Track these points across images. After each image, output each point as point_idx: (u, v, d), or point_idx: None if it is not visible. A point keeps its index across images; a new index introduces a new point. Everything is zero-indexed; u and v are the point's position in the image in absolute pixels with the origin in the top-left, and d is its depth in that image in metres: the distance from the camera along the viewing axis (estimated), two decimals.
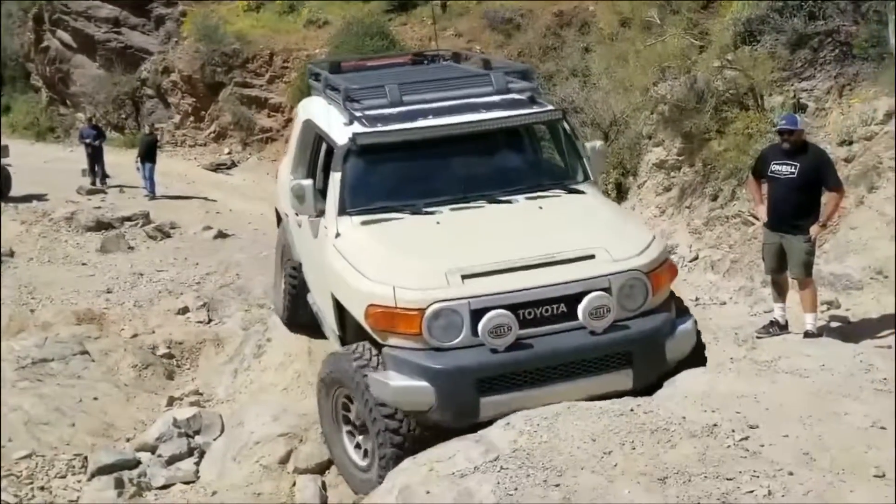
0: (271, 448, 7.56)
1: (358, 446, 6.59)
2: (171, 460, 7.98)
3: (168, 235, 17.50)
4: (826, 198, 8.43)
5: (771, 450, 4.83)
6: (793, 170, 8.27)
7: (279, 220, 9.80)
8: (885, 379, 5.65)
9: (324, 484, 7.26)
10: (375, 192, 7.13)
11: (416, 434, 6.01)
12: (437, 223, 6.83)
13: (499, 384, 6.00)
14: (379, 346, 6.26)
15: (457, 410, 5.95)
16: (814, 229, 8.31)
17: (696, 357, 6.82)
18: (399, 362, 6.06)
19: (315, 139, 8.21)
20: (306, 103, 9.11)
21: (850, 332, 8.69)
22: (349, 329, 6.85)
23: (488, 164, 7.56)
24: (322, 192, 7.32)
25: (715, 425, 5.09)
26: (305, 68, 10.37)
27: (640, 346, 6.22)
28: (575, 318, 6.10)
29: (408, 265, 6.30)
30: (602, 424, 5.18)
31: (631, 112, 15.76)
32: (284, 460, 7.47)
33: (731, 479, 4.57)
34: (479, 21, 24.70)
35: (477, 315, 5.96)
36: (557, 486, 4.63)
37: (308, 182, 7.29)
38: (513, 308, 5.99)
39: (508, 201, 7.12)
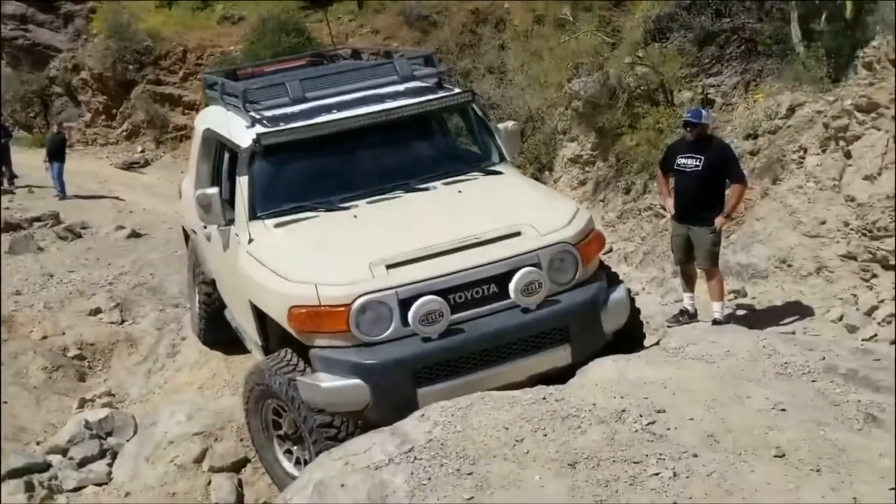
0: (186, 447, 7.48)
1: (298, 462, 6.35)
2: (83, 462, 7.83)
3: (79, 236, 17.14)
4: (730, 190, 8.65)
5: (676, 433, 4.91)
6: (698, 163, 8.45)
7: (187, 238, 9.51)
8: (786, 363, 5.77)
9: (240, 482, 7.24)
10: (286, 192, 6.94)
11: (353, 436, 5.72)
12: (355, 217, 6.67)
13: (436, 373, 5.88)
14: (304, 351, 6.08)
15: (394, 406, 5.69)
16: (718, 220, 8.50)
17: (634, 327, 6.86)
18: (328, 362, 5.89)
19: (217, 148, 7.95)
20: (204, 114, 8.86)
21: (756, 319, 8.93)
22: (272, 338, 6.66)
23: (401, 154, 7.40)
24: (230, 202, 7.09)
25: (623, 411, 5.16)
26: (202, 78, 10.06)
27: (576, 318, 6.18)
28: (507, 297, 6.03)
29: (328, 261, 6.14)
30: (515, 413, 5.20)
31: (546, 108, 15.97)
32: (199, 459, 7.40)
33: (637, 463, 4.65)
34: (395, 18, 24.78)
35: (406, 304, 5.83)
36: (470, 474, 4.66)
37: (214, 190, 7.06)
38: (443, 293, 5.89)
39: (426, 189, 7.01)
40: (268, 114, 7.12)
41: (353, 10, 25.46)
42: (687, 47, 13.42)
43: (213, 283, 8.40)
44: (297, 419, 6.10)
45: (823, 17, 11.99)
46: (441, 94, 7.49)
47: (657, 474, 4.55)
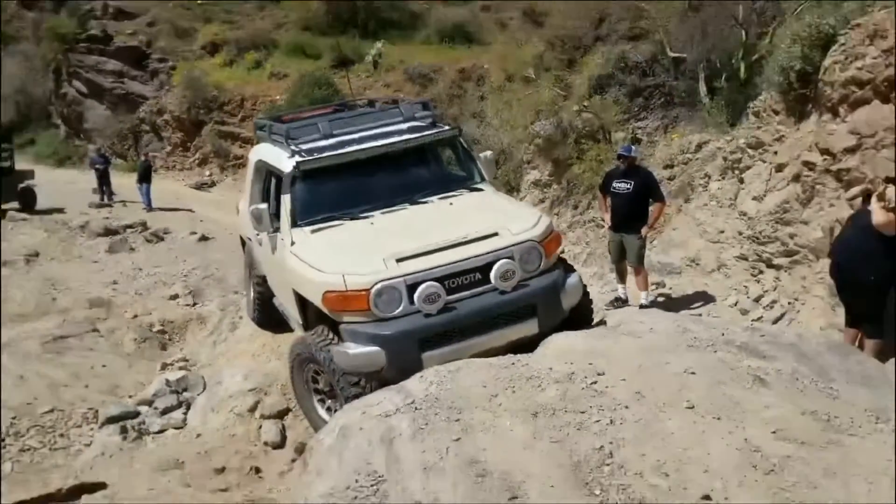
0: (242, 400, 7.46)
1: (329, 409, 6.40)
2: (165, 411, 7.78)
3: (161, 239, 16.99)
4: (653, 207, 8.67)
5: (613, 390, 4.92)
6: (629, 186, 8.48)
7: (243, 244, 9.44)
8: (695, 338, 5.74)
9: (283, 426, 7.19)
10: (319, 206, 6.96)
11: (373, 391, 5.75)
12: (371, 224, 6.75)
13: (435, 341, 5.95)
14: (336, 327, 6.13)
15: (404, 366, 5.77)
16: (644, 230, 8.54)
17: (585, 306, 6.91)
18: (354, 334, 5.97)
19: (266, 175, 7.92)
20: (256, 149, 8.76)
21: (672, 304, 8.95)
22: (310, 317, 6.69)
23: (407, 176, 7.43)
24: (276, 215, 7.12)
25: (573, 373, 5.15)
26: (254, 123, 10.00)
27: (541, 298, 6.25)
28: (488, 282, 6.13)
29: (353, 257, 6.20)
30: (491, 374, 5.20)
31: (515, 143, 15.89)
32: (253, 409, 7.38)
33: (583, 412, 4.66)
34: (402, 75, 24.68)
35: (412, 288, 5.93)
36: (458, 420, 4.67)
37: (264, 205, 7.10)
38: (440, 280, 5.98)
39: (425, 202, 7.06)
40: (305, 147, 7.18)
41: (369, 69, 25.36)
42: (621, 99, 13.42)
43: (264, 278, 8.37)
44: (333, 381, 6.14)
45: (724, 77, 12.03)
46: (435, 130, 7.53)
47: (598, 421, 4.57)
